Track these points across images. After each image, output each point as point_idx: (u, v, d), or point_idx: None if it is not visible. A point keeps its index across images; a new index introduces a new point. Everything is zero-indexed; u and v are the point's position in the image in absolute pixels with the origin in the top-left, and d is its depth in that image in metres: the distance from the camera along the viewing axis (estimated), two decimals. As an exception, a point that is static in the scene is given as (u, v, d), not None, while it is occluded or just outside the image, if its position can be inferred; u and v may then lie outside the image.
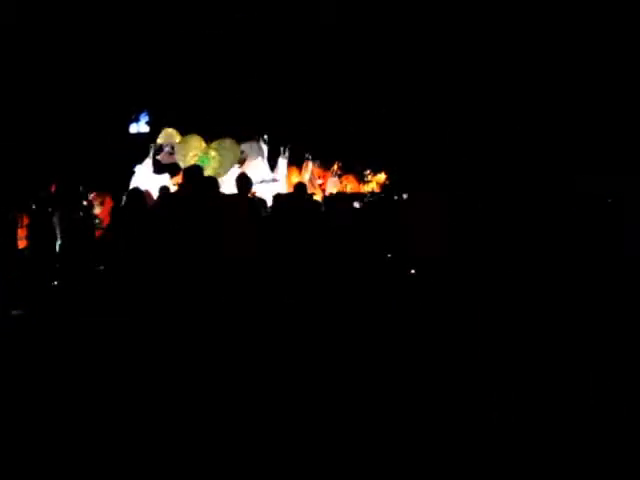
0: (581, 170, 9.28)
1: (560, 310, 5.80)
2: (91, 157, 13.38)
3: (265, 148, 12.05)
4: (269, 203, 7.74)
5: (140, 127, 13.92)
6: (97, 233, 8.60)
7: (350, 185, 14.15)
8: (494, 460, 3.23)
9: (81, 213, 8.59)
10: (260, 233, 5.82)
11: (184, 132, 11.43)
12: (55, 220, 7.99)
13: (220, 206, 5.54)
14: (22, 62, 12.80)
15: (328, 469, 3.17)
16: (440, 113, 13.54)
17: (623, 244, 6.60)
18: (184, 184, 5.77)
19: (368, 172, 15.73)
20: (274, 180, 11.73)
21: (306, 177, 12.85)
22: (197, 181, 5.55)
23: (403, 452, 3.33)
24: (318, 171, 13.68)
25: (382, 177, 15.38)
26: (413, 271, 6.23)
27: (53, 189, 9.54)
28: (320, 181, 13.57)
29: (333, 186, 13.38)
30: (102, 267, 7.56)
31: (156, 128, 12.25)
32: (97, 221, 9.23)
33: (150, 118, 13.71)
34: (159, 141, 11.53)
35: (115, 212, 7.23)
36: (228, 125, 12.21)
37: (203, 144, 11.08)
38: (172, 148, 11.38)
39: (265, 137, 12.02)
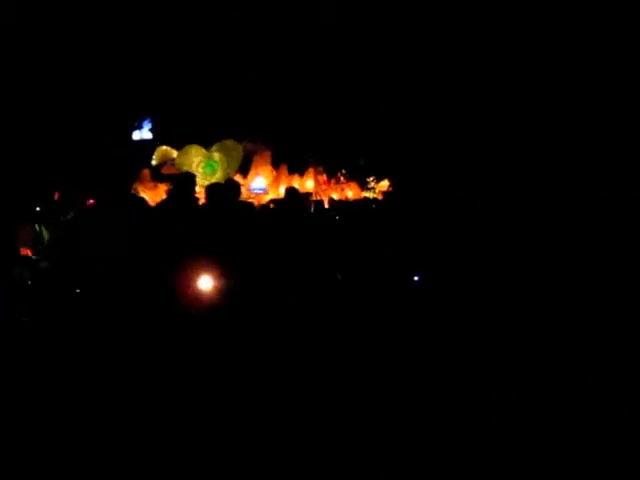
0: (581, 170, 9.28)
1: (560, 310, 5.80)
2: (94, 164, 13.46)
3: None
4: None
5: (143, 134, 14.05)
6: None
7: (352, 192, 14.16)
8: (494, 460, 3.24)
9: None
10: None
11: (186, 138, 11.53)
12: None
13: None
14: (25, 70, 12.91)
15: (328, 469, 3.20)
16: (440, 113, 13.53)
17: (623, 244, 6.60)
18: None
19: (371, 179, 15.71)
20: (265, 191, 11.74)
21: (308, 183, 12.91)
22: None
23: (403, 452, 3.34)
24: (321, 178, 13.74)
25: (385, 184, 15.31)
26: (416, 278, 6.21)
27: (56, 196, 9.60)
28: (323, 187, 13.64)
29: (334, 192, 13.44)
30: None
31: (159, 134, 12.35)
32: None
33: (153, 125, 13.84)
34: (154, 163, 11.60)
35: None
36: (229, 128, 12.29)
37: (203, 150, 11.17)
38: (172, 161, 11.48)
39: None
